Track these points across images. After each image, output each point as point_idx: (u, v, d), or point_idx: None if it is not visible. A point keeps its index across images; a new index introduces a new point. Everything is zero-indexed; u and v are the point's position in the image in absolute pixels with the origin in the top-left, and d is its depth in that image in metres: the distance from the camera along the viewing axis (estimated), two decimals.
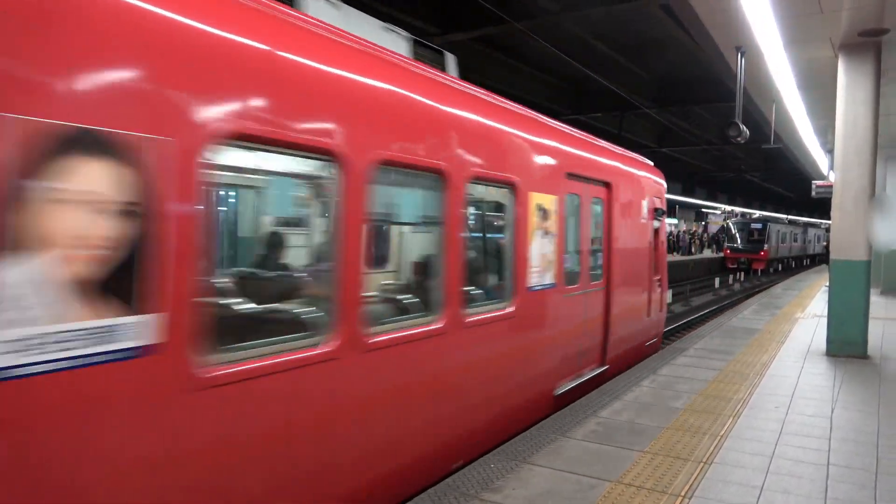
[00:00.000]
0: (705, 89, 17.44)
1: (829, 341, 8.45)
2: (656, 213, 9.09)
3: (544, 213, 5.63)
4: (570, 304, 6.28)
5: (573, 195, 6.46)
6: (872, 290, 9.09)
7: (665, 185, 9.72)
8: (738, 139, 9.70)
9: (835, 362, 7.90)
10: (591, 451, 4.55)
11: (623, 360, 7.88)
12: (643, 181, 8.69)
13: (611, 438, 4.82)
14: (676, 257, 34.90)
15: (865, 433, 5.13)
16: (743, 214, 47.89)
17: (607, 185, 7.27)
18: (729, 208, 49.51)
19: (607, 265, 7.33)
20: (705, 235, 46.79)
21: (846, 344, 8.26)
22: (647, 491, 3.86)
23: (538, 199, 5.53)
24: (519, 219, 5.26)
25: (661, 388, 6.37)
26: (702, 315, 17.84)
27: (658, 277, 9.33)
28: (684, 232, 41.85)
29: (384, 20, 4.51)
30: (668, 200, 47.11)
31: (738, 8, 7.27)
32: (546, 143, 5.92)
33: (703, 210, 50.60)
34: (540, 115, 6.12)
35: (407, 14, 11.32)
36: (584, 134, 7.24)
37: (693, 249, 40.56)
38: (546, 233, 5.67)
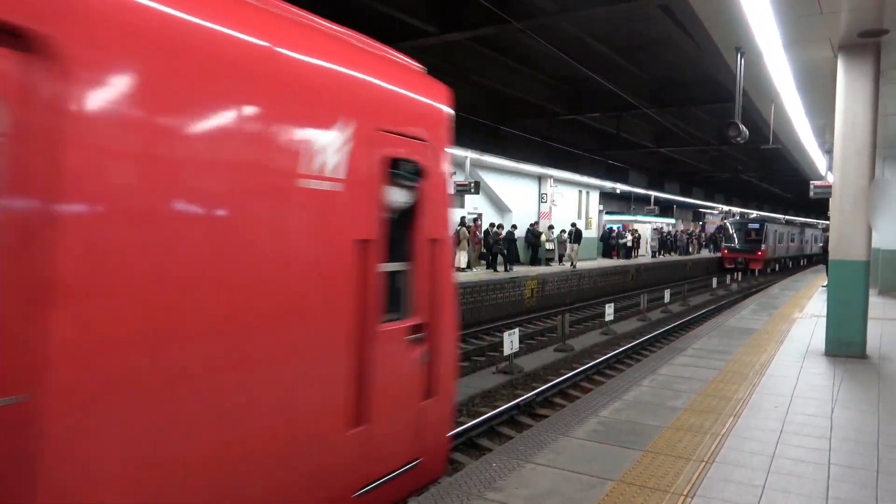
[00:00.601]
0: (704, 90, 17.46)
1: (827, 341, 8.47)
2: (398, 169, 3.53)
3: None
4: None
5: None
6: (871, 291, 9.12)
7: (447, 111, 4.02)
8: (738, 139, 9.71)
9: (834, 362, 7.92)
10: (592, 450, 4.56)
11: None
12: (329, 80, 3.09)
13: (612, 438, 4.83)
14: (674, 257, 34.98)
15: (866, 433, 5.14)
16: (741, 214, 47.99)
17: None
18: (726, 208, 49.57)
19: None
20: (703, 235, 46.88)
21: (845, 344, 8.28)
22: (649, 490, 3.87)
23: None
24: None
25: (661, 388, 6.38)
26: (700, 315, 17.88)
27: (417, 323, 3.69)
28: (682, 232, 41.93)
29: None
30: (666, 200, 46.09)
31: (737, 8, 7.28)
32: None
33: (701, 210, 50.69)
34: None
35: (406, 14, 11.30)
36: None
37: (691, 249, 40.67)
38: None
